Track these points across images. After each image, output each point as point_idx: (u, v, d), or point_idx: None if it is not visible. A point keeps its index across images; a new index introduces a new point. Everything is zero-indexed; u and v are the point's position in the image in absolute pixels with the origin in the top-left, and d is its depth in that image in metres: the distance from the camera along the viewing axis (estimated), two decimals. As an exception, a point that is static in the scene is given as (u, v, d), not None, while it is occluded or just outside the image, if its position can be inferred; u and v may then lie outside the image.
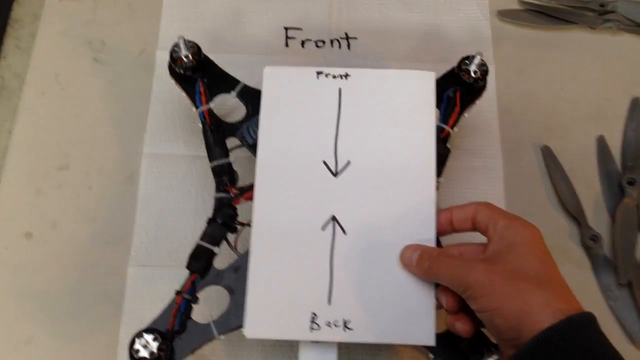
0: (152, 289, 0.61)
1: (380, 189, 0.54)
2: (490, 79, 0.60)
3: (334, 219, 0.53)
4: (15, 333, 0.59)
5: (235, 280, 0.53)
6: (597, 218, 0.65)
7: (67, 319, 0.60)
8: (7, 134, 0.67)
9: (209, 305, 0.60)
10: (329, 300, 0.52)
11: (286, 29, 0.72)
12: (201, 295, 0.54)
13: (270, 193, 0.54)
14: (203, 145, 0.58)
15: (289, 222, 0.53)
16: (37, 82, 0.69)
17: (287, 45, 0.72)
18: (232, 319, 0.52)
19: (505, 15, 0.74)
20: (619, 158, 0.67)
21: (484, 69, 0.58)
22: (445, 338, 0.52)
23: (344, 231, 0.53)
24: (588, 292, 0.62)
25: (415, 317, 0.51)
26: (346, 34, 0.72)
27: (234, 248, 0.55)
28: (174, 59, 0.58)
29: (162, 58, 0.69)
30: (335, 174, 0.54)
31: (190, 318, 0.53)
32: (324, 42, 0.72)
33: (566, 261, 0.64)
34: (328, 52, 0.71)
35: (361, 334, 0.51)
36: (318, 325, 0.51)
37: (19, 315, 0.60)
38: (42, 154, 0.66)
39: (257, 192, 0.54)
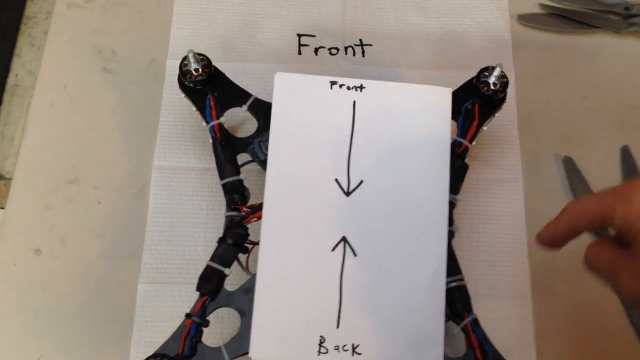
0: (163, 307, 0.60)
1: (393, 210, 0.52)
2: (510, 87, 0.58)
3: (344, 239, 0.52)
4: (25, 351, 0.59)
5: (247, 302, 0.52)
6: (622, 233, 0.63)
7: (78, 337, 0.59)
8: (21, 131, 0.67)
9: (220, 325, 0.59)
10: (338, 324, 0.50)
11: (299, 35, 0.71)
12: (212, 316, 0.53)
13: (279, 211, 0.52)
14: (214, 158, 0.57)
15: (298, 241, 0.52)
16: (46, 93, 0.68)
17: (300, 52, 0.70)
18: (243, 343, 0.51)
19: (525, 19, 0.71)
20: (645, 169, 0.65)
21: (504, 81, 0.56)
22: (463, 362, 0.51)
23: (354, 253, 0.51)
24: (610, 309, 0.60)
25: (425, 344, 0.50)
26: (361, 41, 0.70)
27: (245, 269, 0.54)
28: (184, 72, 0.57)
29: (173, 67, 0.68)
30: (347, 193, 0.52)
31: (200, 342, 0.51)
32: (337, 49, 0.70)
33: (588, 277, 0.61)
34: (342, 60, 0.69)
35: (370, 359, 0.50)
36: (326, 349, 0.50)
37: (29, 333, 0.59)
38: (51, 168, 0.65)
39: (266, 209, 0.52)
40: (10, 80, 0.70)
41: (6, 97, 0.70)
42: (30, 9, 0.73)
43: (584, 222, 0.42)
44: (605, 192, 0.41)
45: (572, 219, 0.43)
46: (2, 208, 0.65)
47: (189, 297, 0.59)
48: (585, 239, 0.62)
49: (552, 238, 0.45)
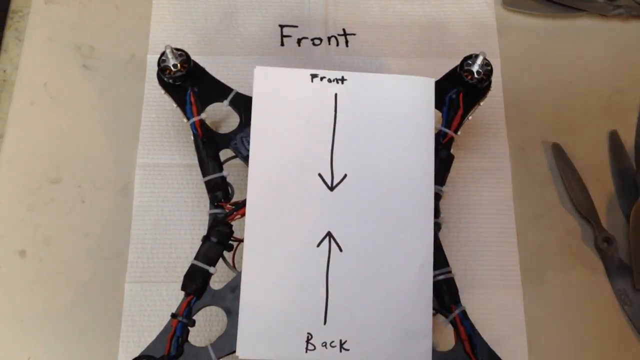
0: (151, 306, 0.60)
1: (378, 203, 0.52)
2: (496, 73, 0.57)
3: (329, 235, 0.51)
4: (13, 353, 0.58)
5: (233, 300, 0.51)
6: (611, 219, 0.62)
7: (66, 338, 0.58)
8: None
9: (208, 324, 0.58)
10: (325, 320, 0.50)
11: (281, 26, 0.69)
12: (199, 315, 0.52)
13: (263, 207, 0.52)
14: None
15: (282, 238, 0.51)
16: (26, 91, 0.67)
17: (282, 44, 0.69)
18: (230, 342, 0.50)
19: (510, 4, 0.71)
20: (633, 154, 0.64)
21: (487, 69, 0.55)
22: (452, 356, 0.50)
23: (340, 248, 0.51)
24: (602, 297, 0.60)
25: (413, 338, 0.49)
26: (344, 30, 0.69)
27: (231, 266, 0.54)
28: (162, 68, 0.56)
29: (153, 62, 0.65)
30: (331, 188, 0.52)
31: (187, 341, 0.51)
32: (320, 39, 0.69)
33: (579, 265, 0.61)
34: (325, 50, 0.68)
35: (358, 355, 0.50)
36: (314, 345, 0.50)
37: (17, 335, 0.58)
38: (34, 168, 0.64)
39: (250, 206, 0.52)
40: (-2, 75, 0.69)
41: (-6, 92, 0.69)
42: (15, 3, 0.72)
43: None
44: None
45: None
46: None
47: (177, 296, 0.58)
48: (575, 226, 0.62)
49: None
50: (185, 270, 0.52)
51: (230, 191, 0.55)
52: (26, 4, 0.71)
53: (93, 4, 0.70)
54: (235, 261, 0.54)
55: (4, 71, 0.68)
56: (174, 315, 0.51)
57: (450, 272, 0.52)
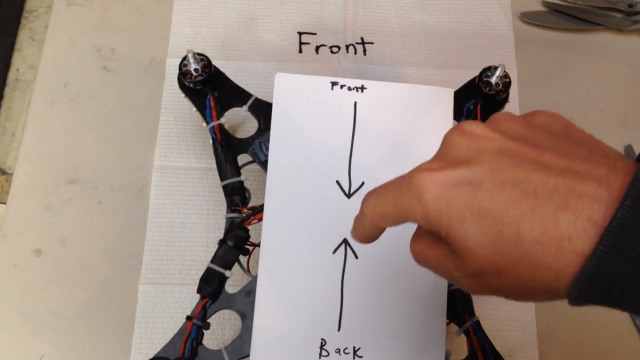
0: (164, 308, 0.60)
1: None
2: (513, 86, 0.57)
3: (345, 242, 0.51)
4: (26, 352, 0.58)
5: (247, 304, 0.52)
6: (625, 233, 0.62)
7: (79, 338, 0.59)
8: (22, 126, 0.66)
9: (222, 328, 0.59)
10: (339, 327, 0.50)
11: (300, 34, 0.70)
12: (213, 319, 0.52)
13: (280, 213, 0.52)
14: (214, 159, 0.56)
15: (299, 243, 0.51)
16: (46, 92, 0.67)
17: (300, 51, 0.69)
18: (244, 345, 0.51)
19: (528, 17, 0.71)
20: (648, 169, 0.65)
21: (506, 81, 0.56)
22: (465, 365, 0.51)
23: (355, 255, 0.51)
24: (614, 311, 0.60)
25: (426, 346, 0.50)
26: (362, 39, 0.70)
27: (246, 271, 0.54)
28: (184, 72, 0.56)
29: (173, 66, 0.67)
30: (348, 195, 0.52)
31: (201, 344, 0.51)
32: (339, 47, 0.69)
33: (591, 278, 0.61)
34: (343, 58, 0.69)
35: None
36: (327, 352, 0.50)
37: (30, 333, 0.59)
38: (51, 168, 0.64)
39: (267, 211, 0.52)
40: (12, 74, 0.70)
41: (7, 91, 0.70)
42: (30, 3, 0.72)
43: (388, 224, 0.38)
44: (397, 192, 0.36)
45: (374, 221, 0.38)
46: (4, 203, 0.64)
47: (190, 298, 0.59)
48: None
49: (363, 237, 0.40)
50: (199, 273, 0.53)
51: (247, 196, 0.56)
52: (41, 4, 0.72)
53: (115, 6, 0.71)
54: (251, 265, 0.54)
55: (17, 70, 0.69)
56: (189, 318, 0.51)
57: (464, 282, 0.52)
